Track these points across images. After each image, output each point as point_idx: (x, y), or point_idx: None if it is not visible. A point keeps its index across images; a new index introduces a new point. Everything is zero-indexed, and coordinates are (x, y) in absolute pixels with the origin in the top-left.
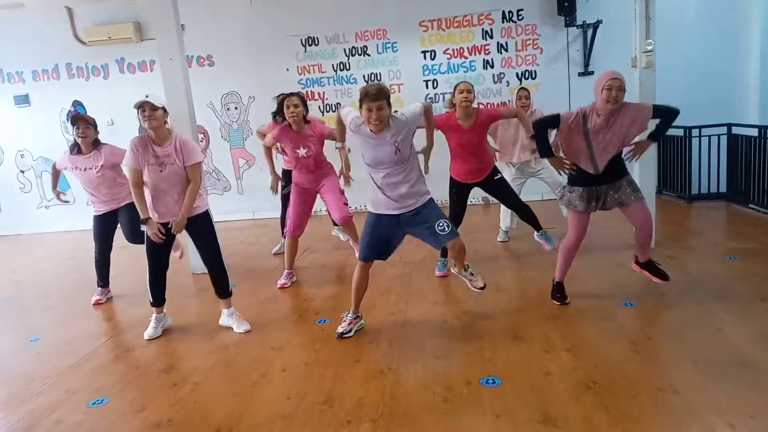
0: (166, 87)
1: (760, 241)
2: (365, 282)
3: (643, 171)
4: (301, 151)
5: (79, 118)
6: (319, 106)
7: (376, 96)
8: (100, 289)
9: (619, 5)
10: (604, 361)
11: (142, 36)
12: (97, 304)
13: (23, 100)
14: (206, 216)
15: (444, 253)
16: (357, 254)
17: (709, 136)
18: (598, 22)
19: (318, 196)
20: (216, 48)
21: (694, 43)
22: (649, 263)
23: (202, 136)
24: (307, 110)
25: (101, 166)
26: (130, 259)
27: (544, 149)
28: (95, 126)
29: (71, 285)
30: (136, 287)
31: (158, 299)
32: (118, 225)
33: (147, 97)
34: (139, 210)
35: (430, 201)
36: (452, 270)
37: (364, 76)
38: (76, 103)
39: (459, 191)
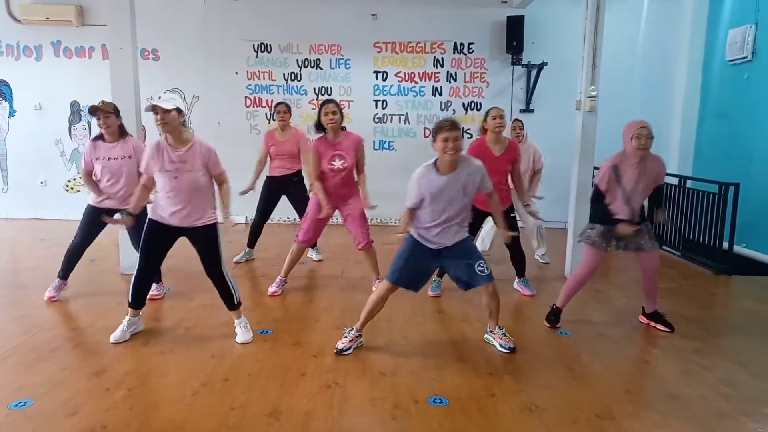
0: (114, 77)
1: (677, 282)
2: (382, 304)
3: (579, 208)
4: (337, 163)
5: (96, 109)
6: (266, 114)
7: (452, 127)
8: (58, 282)
9: (564, 51)
10: (544, 386)
11: (83, 20)
12: (50, 300)
13: None
14: (214, 228)
15: (440, 274)
16: (374, 286)
17: None
18: (543, 63)
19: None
20: (163, 42)
21: (629, 96)
22: (655, 314)
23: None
24: (343, 118)
25: (128, 156)
26: (49, 252)
27: (606, 219)
28: (117, 113)
29: None
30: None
31: (137, 301)
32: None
33: (159, 98)
34: (131, 203)
35: (470, 238)
36: (486, 333)
37: (314, 89)
38: (2, 83)
39: (474, 216)
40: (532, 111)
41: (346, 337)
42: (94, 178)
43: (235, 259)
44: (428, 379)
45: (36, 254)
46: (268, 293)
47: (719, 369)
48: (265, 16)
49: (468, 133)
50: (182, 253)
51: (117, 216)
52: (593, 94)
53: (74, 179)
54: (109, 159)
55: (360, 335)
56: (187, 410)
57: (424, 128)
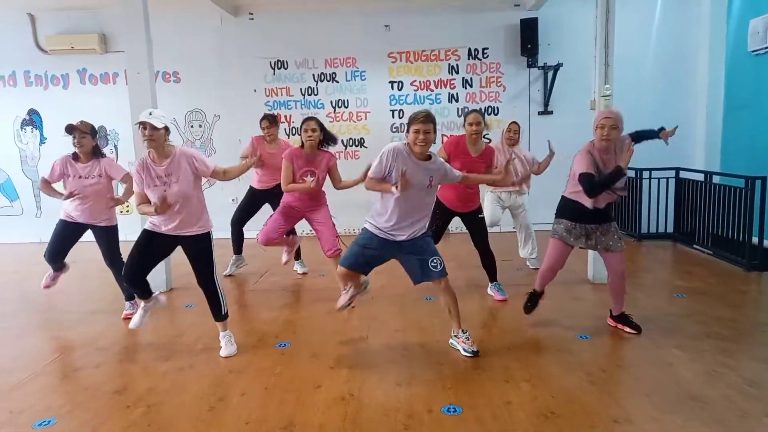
0: (132, 101)
1: (705, 281)
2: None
3: None
4: (309, 179)
5: (73, 128)
6: (285, 129)
7: (425, 119)
8: (53, 273)
9: (579, 51)
10: (561, 392)
11: (107, 48)
12: (47, 288)
13: None
14: (207, 237)
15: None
16: (342, 293)
17: (659, 179)
18: (559, 64)
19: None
20: (183, 64)
21: (648, 91)
22: (622, 316)
23: None
24: (323, 136)
25: (97, 176)
26: (80, 274)
27: (612, 177)
28: (93, 133)
29: (14, 300)
30: (84, 305)
31: (130, 293)
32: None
33: (150, 114)
34: (147, 213)
35: (429, 233)
36: (450, 338)
37: (331, 102)
38: (32, 112)
39: (442, 215)
40: (551, 113)
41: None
42: (53, 190)
43: (224, 273)
44: (443, 388)
45: (67, 277)
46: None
47: (745, 369)
48: (281, 33)
49: (486, 138)
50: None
51: None
52: (607, 93)
53: None
54: (80, 177)
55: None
56: (204, 426)
57: (442, 135)
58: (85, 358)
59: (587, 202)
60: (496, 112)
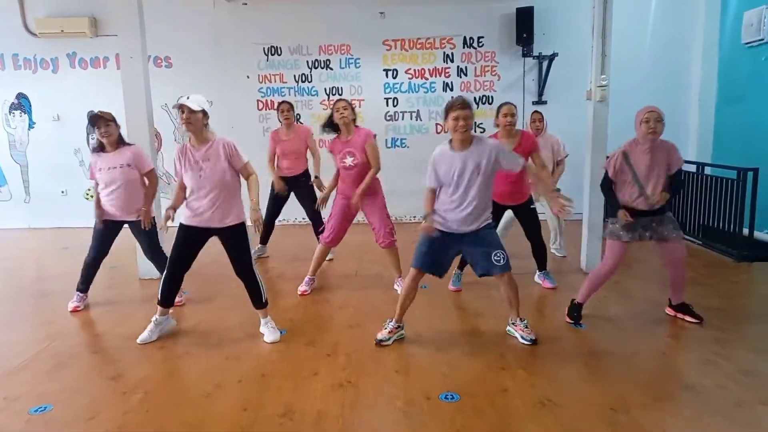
0: (125, 85)
1: (696, 272)
2: (414, 292)
3: (593, 199)
4: (348, 160)
5: (97, 118)
6: (278, 116)
7: (462, 105)
8: (79, 294)
9: (574, 41)
10: (558, 380)
11: (97, 31)
12: (75, 311)
13: None
14: (242, 227)
15: (461, 266)
16: (396, 283)
17: None
18: (554, 54)
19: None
20: (175, 50)
21: (642, 82)
22: (683, 305)
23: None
24: (354, 114)
25: (126, 165)
26: (75, 260)
27: (615, 206)
28: (116, 121)
29: (4, 286)
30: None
31: (167, 300)
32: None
33: (188, 98)
34: (173, 201)
35: (491, 225)
36: (508, 325)
37: (325, 89)
38: (21, 96)
39: (494, 211)
40: (545, 103)
41: (385, 328)
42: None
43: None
44: (441, 376)
45: (59, 263)
46: (299, 292)
47: (739, 358)
48: (274, 19)
49: (480, 128)
50: (199, 258)
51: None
52: (604, 83)
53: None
54: (108, 168)
55: (400, 326)
56: (201, 412)
57: (436, 124)
58: (81, 344)
59: (641, 205)
60: (490, 101)
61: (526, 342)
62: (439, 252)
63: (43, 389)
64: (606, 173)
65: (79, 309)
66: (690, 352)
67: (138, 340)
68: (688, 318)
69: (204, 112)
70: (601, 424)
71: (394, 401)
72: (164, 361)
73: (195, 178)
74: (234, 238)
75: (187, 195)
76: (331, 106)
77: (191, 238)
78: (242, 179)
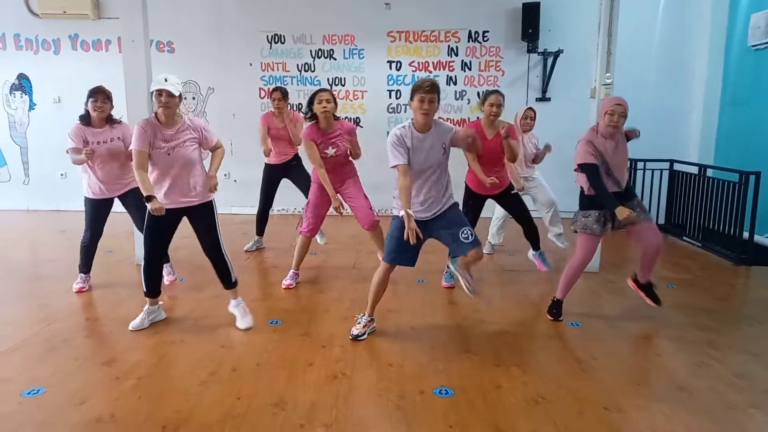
0: (127, 69)
1: (694, 273)
2: (385, 285)
3: None
4: (330, 151)
5: (98, 91)
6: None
7: (430, 88)
8: (82, 275)
9: (580, 38)
10: (551, 378)
11: (99, 13)
12: (80, 291)
13: None
14: (211, 206)
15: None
16: (381, 257)
17: (653, 170)
18: (559, 51)
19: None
20: (177, 35)
21: (647, 82)
22: (647, 285)
23: None
24: (337, 107)
25: (117, 138)
26: (69, 243)
27: (613, 203)
28: (112, 102)
29: (0, 268)
30: (73, 275)
31: (151, 289)
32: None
33: (166, 81)
34: (142, 189)
35: (455, 204)
36: (451, 266)
37: (328, 80)
38: (22, 77)
39: (474, 201)
40: (549, 99)
41: (359, 323)
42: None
43: (245, 248)
44: (435, 370)
45: (56, 245)
46: (283, 286)
47: (732, 361)
48: (278, 6)
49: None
50: (193, 244)
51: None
52: (608, 81)
53: None
54: (97, 143)
55: (372, 320)
56: (194, 400)
57: (438, 118)
58: (74, 328)
59: (612, 188)
60: None
61: (468, 292)
62: (409, 243)
63: (35, 372)
64: (590, 166)
65: (84, 290)
66: (684, 353)
67: (130, 327)
68: (648, 299)
69: (180, 96)
70: (593, 423)
71: (388, 394)
72: (158, 347)
73: (163, 156)
74: (202, 216)
75: (153, 177)
76: (313, 95)
77: (162, 221)
78: None
